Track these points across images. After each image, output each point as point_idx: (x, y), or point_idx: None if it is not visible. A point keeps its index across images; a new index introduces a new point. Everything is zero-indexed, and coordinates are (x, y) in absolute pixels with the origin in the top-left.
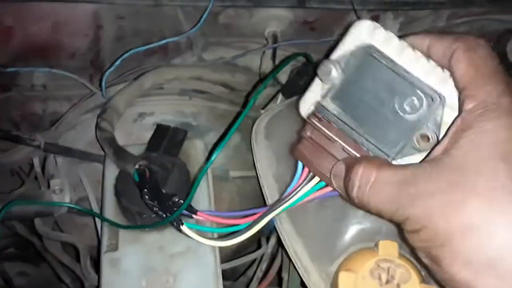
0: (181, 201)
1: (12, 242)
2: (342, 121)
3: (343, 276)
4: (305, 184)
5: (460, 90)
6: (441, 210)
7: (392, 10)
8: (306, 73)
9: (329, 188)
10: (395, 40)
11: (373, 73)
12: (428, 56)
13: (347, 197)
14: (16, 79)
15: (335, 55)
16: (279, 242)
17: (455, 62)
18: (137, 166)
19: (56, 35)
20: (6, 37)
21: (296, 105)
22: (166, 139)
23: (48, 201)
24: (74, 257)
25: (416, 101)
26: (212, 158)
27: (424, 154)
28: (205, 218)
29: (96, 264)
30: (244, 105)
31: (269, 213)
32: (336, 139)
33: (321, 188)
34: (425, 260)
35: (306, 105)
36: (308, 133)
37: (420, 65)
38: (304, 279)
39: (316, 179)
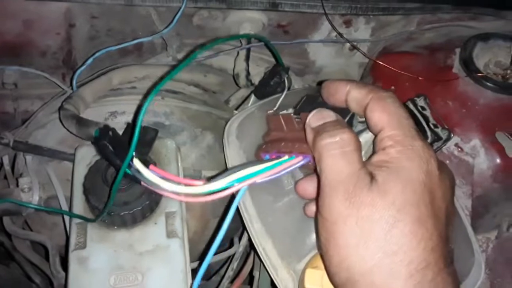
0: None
1: None
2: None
3: (309, 273)
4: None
5: (376, 133)
6: (355, 219)
7: (364, 15)
8: (277, 74)
9: (298, 159)
10: None
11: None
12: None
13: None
14: None
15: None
16: (251, 242)
17: (369, 111)
18: (100, 125)
19: (27, 33)
20: None
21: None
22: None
23: (17, 199)
24: (43, 256)
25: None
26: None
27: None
28: (157, 171)
29: (65, 263)
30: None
31: (241, 169)
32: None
33: (289, 161)
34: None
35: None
36: (270, 133)
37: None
38: (272, 276)
39: (285, 156)
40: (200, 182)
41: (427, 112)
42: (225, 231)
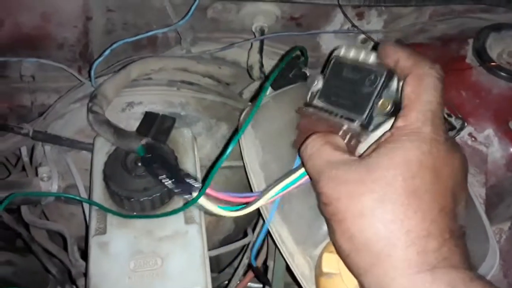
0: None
1: None
2: (322, 109)
3: (326, 257)
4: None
5: (400, 102)
6: (347, 196)
7: (376, 7)
8: (296, 66)
9: None
10: (361, 51)
11: (342, 70)
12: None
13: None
14: (4, 69)
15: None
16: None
17: (405, 84)
18: (143, 142)
19: (45, 25)
20: None
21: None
22: (155, 126)
23: (36, 188)
24: (61, 247)
25: (372, 77)
26: (229, 150)
27: (390, 122)
28: (212, 194)
29: (83, 252)
30: (237, 98)
31: (272, 188)
32: (323, 118)
33: None
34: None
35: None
36: (302, 124)
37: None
38: (289, 262)
39: None
40: (240, 199)
41: None
42: None
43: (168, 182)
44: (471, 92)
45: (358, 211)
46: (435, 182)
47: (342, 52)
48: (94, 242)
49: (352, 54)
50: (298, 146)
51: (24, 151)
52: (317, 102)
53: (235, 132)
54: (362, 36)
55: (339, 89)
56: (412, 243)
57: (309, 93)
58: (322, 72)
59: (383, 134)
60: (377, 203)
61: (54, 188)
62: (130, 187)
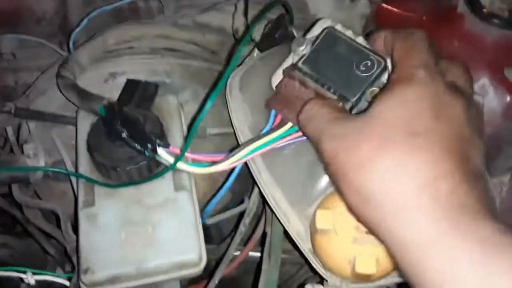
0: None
1: None
2: (312, 76)
3: (320, 213)
4: (278, 129)
5: (392, 67)
6: (345, 149)
7: None
8: (282, 26)
9: (300, 133)
10: (350, 31)
11: (336, 43)
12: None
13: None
14: None
15: (306, 36)
16: (261, 196)
17: (393, 50)
18: (105, 102)
19: None
20: None
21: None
22: (137, 93)
23: (22, 165)
24: (55, 225)
25: (369, 63)
26: (207, 107)
27: None
28: (177, 153)
29: (76, 228)
30: (221, 63)
31: (242, 148)
32: (310, 85)
33: (292, 133)
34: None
35: (278, 78)
36: (283, 86)
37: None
38: (285, 225)
39: (288, 125)
40: (219, 157)
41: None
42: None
43: (129, 140)
44: (464, 41)
45: (358, 163)
46: (436, 122)
47: (338, 27)
48: (83, 215)
49: (348, 33)
50: (272, 106)
51: (10, 130)
52: (303, 66)
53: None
54: None
55: (329, 61)
56: (420, 187)
57: (294, 56)
58: (304, 35)
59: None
60: (375, 151)
61: (41, 164)
62: (115, 157)
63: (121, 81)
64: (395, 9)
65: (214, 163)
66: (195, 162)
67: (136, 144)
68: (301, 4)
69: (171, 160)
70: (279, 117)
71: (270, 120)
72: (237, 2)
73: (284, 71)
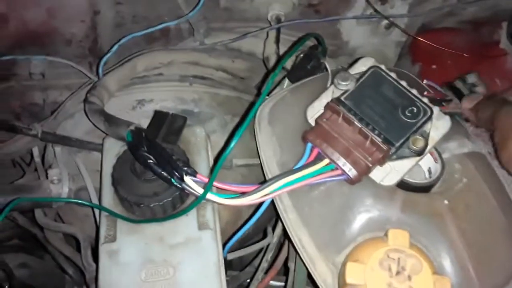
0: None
1: (15, 233)
2: (357, 114)
3: (351, 267)
4: (313, 165)
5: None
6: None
7: None
8: (314, 57)
9: (337, 172)
10: (394, 73)
11: (382, 83)
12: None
13: None
14: (14, 68)
15: (350, 70)
16: (285, 232)
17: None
18: (131, 127)
19: (51, 21)
20: (1, 24)
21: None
22: (165, 126)
23: (46, 191)
24: (75, 248)
25: (415, 110)
26: (231, 145)
27: (413, 161)
28: (204, 180)
29: (97, 256)
30: (253, 92)
31: (274, 181)
32: (355, 123)
33: (328, 171)
34: None
35: (315, 110)
36: (325, 119)
37: (415, 90)
38: (310, 269)
39: (326, 161)
40: (248, 188)
41: (479, 89)
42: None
43: (155, 166)
44: (506, 80)
45: None
46: None
47: (383, 67)
48: (103, 251)
49: (393, 74)
50: (311, 139)
51: (36, 151)
52: (347, 102)
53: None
54: (386, 21)
55: (373, 100)
56: None
57: (335, 89)
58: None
59: None
60: None
61: (65, 191)
62: (140, 192)
63: (149, 108)
64: (432, 44)
65: (242, 194)
66: (222, 192)
67: (162, 172)
68: (334, 30)
69: (198, 188)
70: (315, 152)
71: (306, 154)
72: (269, 30)
73: (328, 104)
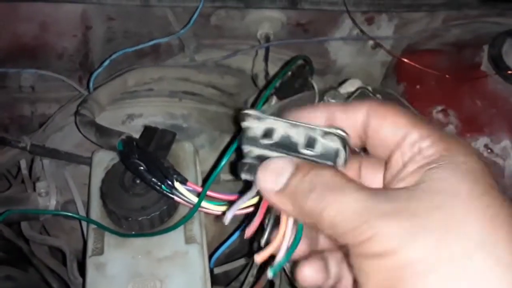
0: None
1: None
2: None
3: None
4: None
5: (393, 147)
6: (416, 237)
7: (386, 12)
8: (302, 76)
9: None
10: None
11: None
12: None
13: (284, 200)
14: (4, 80)
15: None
16: None
17: (376, 125)
18: (123, 137)
19: (44, 35)
20: None
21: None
22: (154, 141)
23: (34, 203)
24: (61, 261)
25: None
26: (223, 162)
27: None
28: (195, 188)
29: (83, 269)
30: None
31: None
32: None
33: None
34: None
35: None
36: None
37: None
38: (292, 280)
39: None
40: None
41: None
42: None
43: (146, 174)
44: (487, 101)
45: (448, 259)
46: (494, 190)
47: (370, 88)
48: (91, 263)
49: (378, 96)
50: None
51: (23, 164)
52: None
53: (233, 140)
54: (372, 42)
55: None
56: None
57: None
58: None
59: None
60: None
61: (52, 203)
62: (128, 206)
63: (139, 122)
64: (416, 65)
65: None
66: (213, 200)
67: (153, 178)
68: (322, 49)
69: (190, 196)
70: None
71: None
72: (258, 48)
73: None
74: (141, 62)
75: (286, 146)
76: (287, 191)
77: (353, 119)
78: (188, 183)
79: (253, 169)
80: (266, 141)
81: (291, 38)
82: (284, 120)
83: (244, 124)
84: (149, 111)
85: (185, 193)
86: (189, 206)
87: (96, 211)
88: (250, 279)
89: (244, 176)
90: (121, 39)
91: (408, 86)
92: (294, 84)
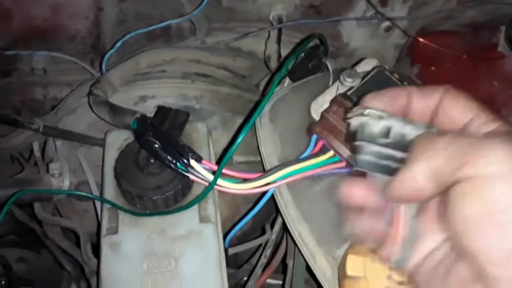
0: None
1: (12, 228)
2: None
3: (351, 260)
4: (318, 156)
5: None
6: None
7: None
8: (315, 56)
9: (341, 164)
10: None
11: (386, 83)
12: None
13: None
14: (16, 63)
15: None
16: (284, 228)
17: (448, 106)
18: (137, 115)
19: (56, 17)
20: (5, 19)
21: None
22: (168, 121)
23: (47, 185)
24: (74, 243)
25: None
26: (238, 140)
27: None
28: (210, 166)
29: (96, 250)
30: (254, 90)
31: (279, 169)
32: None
33: (333, 163)
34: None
35: (318, 105)
36: (331, 113)
37: None
38: (310, 263)
39: (331, 153)
40: (251, 175)
41: None
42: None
43: (161, 151)
44: (504, 82)
45: None
46: None
47: (387, 67)
48: (105, 242)
49: (395, 76)
50: (316, 131)
51: (36, 146)
52: (354, 98)
53: (246, 121)
54: (386, 23)
55: None
56: None
57: (340, 86)
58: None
59: None
60: None
61: (66, 184)
62: (142, 185)
63: (151, 104)
64: (432, 44)
65: (246, 180)
66: (228, 178)
67: (168, 156)
68: (334, 31)
69: (206, 174)
70: (319, 144)
71: (311, 145)
72: (271, 29)
73: (335, 98)
74: (152, 45)
75: (402, 146)
76: None
77: (430, 100)
78: (203, 161)
79: (372, 165)
80: (383, 140)
81: (304, 19)
82: (399, 118)
83: (362, 120)
84: (162, 93)
85: (200, 170)
86: (204, 184)
87: (110, 191)
88: (263, 260)
89: (363, 169)
90: (133, 21)
91: (423, 67)
92: (307, 66)
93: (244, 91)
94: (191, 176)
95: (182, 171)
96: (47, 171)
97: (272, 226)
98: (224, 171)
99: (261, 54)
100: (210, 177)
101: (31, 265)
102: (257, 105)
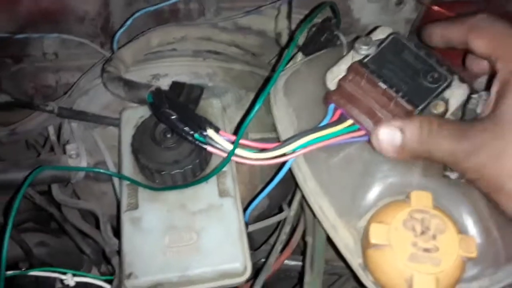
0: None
1: (31, 215)
2: (381, 76)
3: (374, 228)
4: (337, 124)
5: (487, 56)
6: (491, 161)
7: None
8: (327, 29)
9: (361, 133)
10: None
11: (402, 50)
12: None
13: (396, 145)
14: (27, 48)
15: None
16: (301, 206)
17: (474, 40)
18: (152, 89)
19: None
20: (13, 2)
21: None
22: (182, 95)
23: (65, 165)
24: (93, 225)
25: (437, 76)
26: (255, 109)
27: None
28: (228, 137)
29: (116, 231)
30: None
31: (298, 138)
32: (379, 84)
33: (352, 132)
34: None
35: (334, 75)
36: (348, 81)
37: (434, 58)
38: (331, 235)
39: (349, 122)
40: (269, 145)
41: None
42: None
43: (178, 122)
44: None
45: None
46: None
47: (402, 36)
48: (126, 218)
49: (413, 43)
50: (334, 100)
51: (51, 130)
52: (371, 65)
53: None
54: None
55: (395, 65)
56: None
57: (354, 54)
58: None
59: None
60: None
61: (83, 165)
62: (160, 160)
63: (164, 83)
64: (446, 12)
65: (264, 150)
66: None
67: (185, 127)
68: (345, 8)
69: (224, 143)
70: (337, 113)
71: (329, 114)
72: (280, 5)
73: (351, 66)
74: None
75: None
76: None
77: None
78: (220, 132)
79: None
80: None
81: None
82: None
83: None
84: (174, 71)
85: (219, 140)
86: (222, 156)
87: (128, 168)
88: (283, 237)
89: None
90: (142, 2)
91: None
92: (319, 40)
93: (257, 68)
94: (209, 148)
95: (201, 142)
96: (64, 153)
97: (289, 204)
98: (242, 141)
99: (270, 33)
100: (229, 146)
101: (51, 248)
102: (268, 80)
